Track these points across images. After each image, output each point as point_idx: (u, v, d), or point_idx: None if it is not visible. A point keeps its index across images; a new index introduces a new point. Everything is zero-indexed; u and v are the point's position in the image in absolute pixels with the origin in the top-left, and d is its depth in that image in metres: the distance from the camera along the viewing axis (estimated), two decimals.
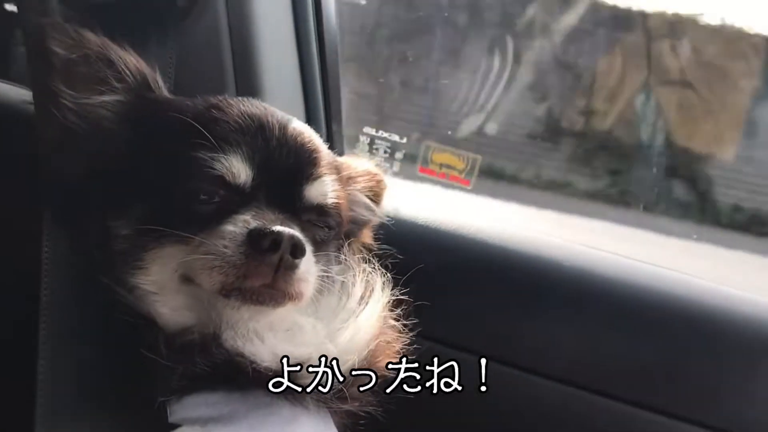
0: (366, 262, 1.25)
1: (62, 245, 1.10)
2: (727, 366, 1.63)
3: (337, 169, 1.31)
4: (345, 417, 1.23)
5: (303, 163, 1.21)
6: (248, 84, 1.75)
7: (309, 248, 1.11)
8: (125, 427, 1.00)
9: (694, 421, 1.61)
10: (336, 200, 1.25)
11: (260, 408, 1.08)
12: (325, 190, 1.23)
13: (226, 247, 1.06)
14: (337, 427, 1.20)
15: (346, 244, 1.31)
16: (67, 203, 1.16)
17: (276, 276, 1.07)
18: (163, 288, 1.12)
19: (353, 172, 1.40)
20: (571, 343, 1.74)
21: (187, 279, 1.11)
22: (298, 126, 1.25)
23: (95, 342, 1.05)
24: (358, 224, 1.42)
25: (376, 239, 1.47)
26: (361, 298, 1.21)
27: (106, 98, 1.20)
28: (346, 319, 1.18)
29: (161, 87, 1.28)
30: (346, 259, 1.27)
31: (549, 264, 1.79)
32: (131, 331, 1.07)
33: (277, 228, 1.06)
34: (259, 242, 1.05)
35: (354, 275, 1.24)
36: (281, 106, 1.83)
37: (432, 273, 1.74)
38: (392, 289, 1.24)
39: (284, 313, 1.13)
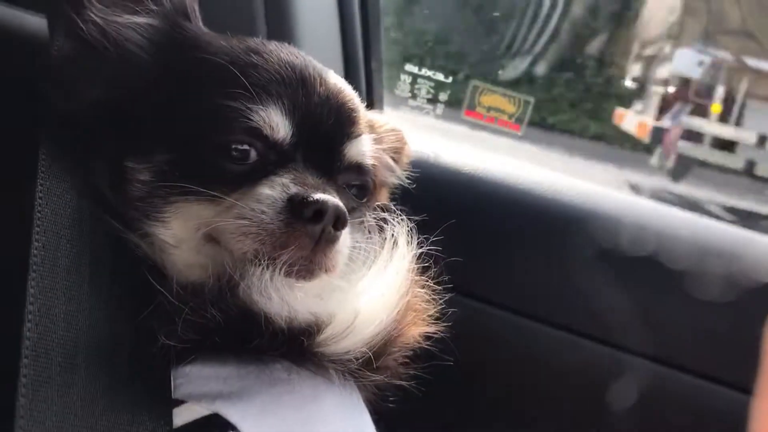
0: (389, 220, 1.14)
1: (60, 186, 0.98)
2: None
3: (372, 129, 1.23)
4: (372, 393, 1.13)
5: (343, 123, 1.12)
6: (280, 14, 1.59)
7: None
8: (121, 402, 0.90)
9: None
10: (373, 161, 1.17)
11: (276, 385, 0.98)
12: (363, 149, 1.14)
13: (263, 212, 0.98)
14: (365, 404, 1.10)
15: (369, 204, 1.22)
16: (73, 137, 1.04)
17: (315, 248, 0.98)
18: (183, 243, 1.02)
19: (381, 131, 1.30)
20: (624, 307, 1.61)
21: (211, 239, 1.02)
22: (338, 81, 1.16)
23: (93, 299, 0.94)
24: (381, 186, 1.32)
25: (410, 190, 1.38)
26: (387, 257, 1.11)
27: (138, 19, 1.09)
28: (371, 279, 1.09)
29: (198, 17, 1.16)
30: (371, 221, 1.16)
31: (606, 221, 1.65)
32: (136, 283, 0.97)
33: (322, 197, 0.97)
34: (302, 211, 0.97)
35: (379, 236, 1.14)
36: (317, 36, 1.71)
37: (474, 225, 1.66)
38: (426, 243, 1.13)
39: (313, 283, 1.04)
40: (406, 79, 2.10)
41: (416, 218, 1.13)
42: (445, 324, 1.13)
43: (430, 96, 2.08)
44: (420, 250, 1.12)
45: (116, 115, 1.04)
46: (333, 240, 0.99)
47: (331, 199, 0.98)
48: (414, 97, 2.11)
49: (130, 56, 1.07)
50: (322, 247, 0.98)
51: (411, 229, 1.12)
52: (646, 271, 1.61)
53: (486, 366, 1.68)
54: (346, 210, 0.99)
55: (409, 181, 1.38)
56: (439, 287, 1.13)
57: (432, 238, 1.13)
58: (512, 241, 1.73)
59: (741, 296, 1.52)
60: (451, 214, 1.32)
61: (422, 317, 1.11)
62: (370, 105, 1.33)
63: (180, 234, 1.01)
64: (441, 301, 1.14)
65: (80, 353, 0.90)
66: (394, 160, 1.35)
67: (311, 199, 0.97)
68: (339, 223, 0.98)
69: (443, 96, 2.07)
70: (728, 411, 1.43)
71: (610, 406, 1.64)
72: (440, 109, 2.08)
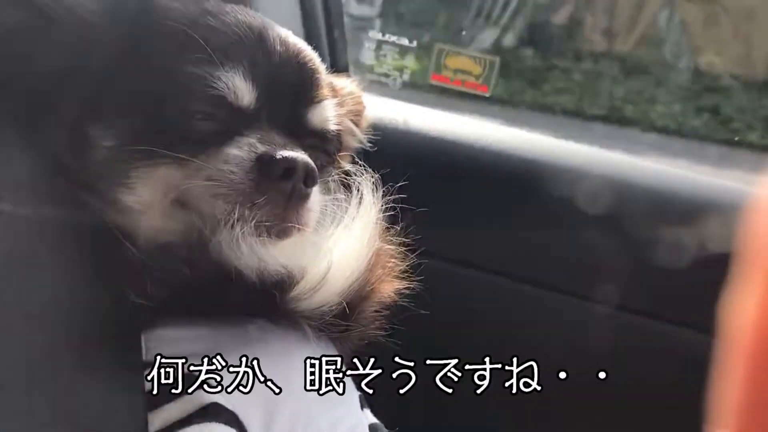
0: (354, 173, 1.14)
1: (17, 155, 0.96)
2: None
3: (334, 92, 1.22)
4: (348, 347, 1.13)
5: (305, 84, 1.11)
6: None
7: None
8: (92, 367, 0.89)
9: None
10: (337, 126, 1.17)
11: (251, 345, 0.98)
12: (327, 114, 1.14)
13: (232, 172, 0.97)
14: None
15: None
16: (28, 106, 1.00)
17: (287, 206, 0.98)
18: (150, 208, 1.01)
19: (341, 94, 1.28)
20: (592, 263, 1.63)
21: (181, 204, 1.00)
22: (298, 41, 1.14)
23: (54, 269, 0.93)
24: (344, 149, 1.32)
25: (382, 153, 1.35)
26: (354, 211, 1.11)
27: None
28: (340, 233, 1.09)
29: None
30: (337, 179, 1.18)
31: (577, 176, 1.65)
32: (102, 248, 0.96)
33: (291, 154, 0.97)
34: (271, 168, 0.96)
35: (345, 194, 1.14)
36: (275, 5, 1.68)
37: (445, 187, 1.66)
38: (392, 201, 1.13)
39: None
40: (370, 45, 2.09)
41: (380, 173, 1.13)
42: (417, 279, 1.14)
43: (395, 61, 2.06)
44: (386, 205, 1.12)
45: (74, 83, 1.01)
46: (304, 197, 0.99)
47: (300, 156, 0.97)
48: (380, 64, 2.10)
49: (83, 23, 1.03)
50: (294, 204, 0.98)
51: (376, 182, 1.12)
52: (615, 220, 1.62)
53: (461, 325, 1.69)
54: (315, 167, 0.99)
55: (370, 145, 1.37)
56: (407, 242, 1.13)
57: (398, 199, 1.13)
58: (483, 202, 1.74)
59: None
60: (421, 178, 1.31)
61: (392, 273, 1.12)
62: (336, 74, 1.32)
63: (147, 199, 1.00)
64: (410, 258, 1.14)
65: (42, 320, 0.88)
66: (354, 123, 1.33)
67: (280, 156, 0.96)
68: (309, 179, 0.98)
69: (409, 61, 2.06)
70: (694, 354, 1.46)
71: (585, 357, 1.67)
72: (406, 73, 2.06)
